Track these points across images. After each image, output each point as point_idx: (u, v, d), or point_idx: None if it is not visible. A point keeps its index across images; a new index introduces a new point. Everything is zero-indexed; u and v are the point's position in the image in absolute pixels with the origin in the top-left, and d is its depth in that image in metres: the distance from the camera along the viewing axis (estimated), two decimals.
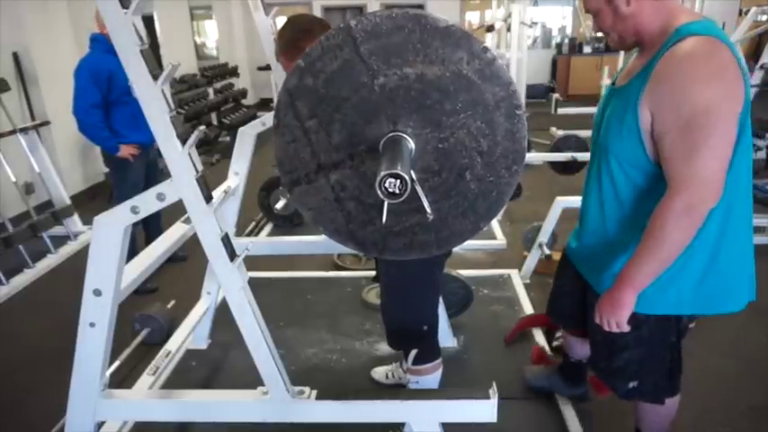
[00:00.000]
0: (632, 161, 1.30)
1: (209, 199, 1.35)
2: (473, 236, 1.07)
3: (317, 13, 10.82)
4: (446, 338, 2.46)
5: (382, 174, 0.82)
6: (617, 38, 1.32)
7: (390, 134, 0.91)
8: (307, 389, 1.53)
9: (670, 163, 1.20)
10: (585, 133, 4.76)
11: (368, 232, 1.01)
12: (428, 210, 0.92)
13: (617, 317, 1.31)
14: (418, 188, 0.91)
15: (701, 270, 1.33)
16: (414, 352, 1.75)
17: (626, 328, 1.33)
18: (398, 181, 0.81)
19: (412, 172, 0.89)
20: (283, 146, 0.95)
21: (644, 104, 1.22)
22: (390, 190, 0.82)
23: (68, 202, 3.99)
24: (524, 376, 2.21)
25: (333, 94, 0.90)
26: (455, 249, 1.85)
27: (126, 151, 3.08)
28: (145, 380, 2.18)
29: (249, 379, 1.57)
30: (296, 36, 1.66)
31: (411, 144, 0.91)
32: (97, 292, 1.39)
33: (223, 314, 2.24)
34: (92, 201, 4.85)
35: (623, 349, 1.48)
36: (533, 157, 5.10)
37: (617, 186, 1.37)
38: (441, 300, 2.26)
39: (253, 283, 1.49)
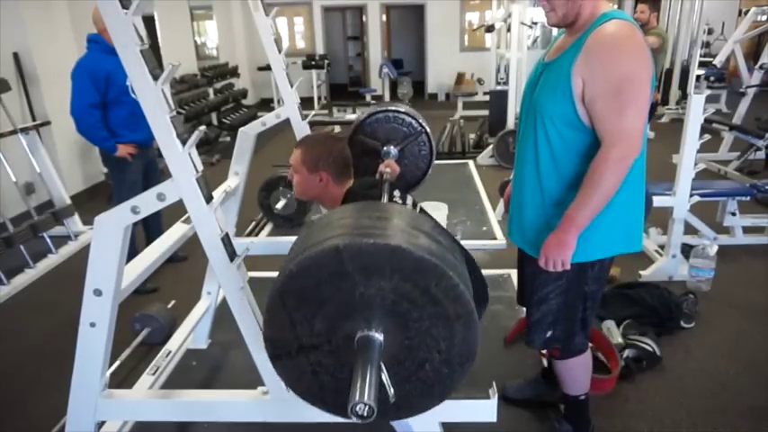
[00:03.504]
0: (564, 119, 1.49)
1: (209, 199, 1.35)
2: (426, 411, 1.21)
3: (317, 12, 10.84)
4: None
5: (355, 400, 0.95)
6: (561, 15, 1.51)
7: (364, 333, 1.06)
8: None
9: (604, 121, 1.43)
10: None
11: (338, 400, 1.15)
12: (390, 392, 1.08)
13: (563, 255, 1.49)
14: (384, 376, 1.07)
15: (610, 217, 1.51)
16: None
17: (569, 267, 1.51)
18: (367, 407, 0.95)
19: (382, 364, 1.07)
20: (271, 328, 1.11)
21: (576, 73, 1.43)
22: (360, 413, 0.96)
23: (69, 202, 3.99)
24: (505, 393, 2.10)
25: (318, 297, 1.05)
26: None
27: (124, 151, 3.08)
28: (145, 380, 2.18)
29: (249, 379, 1.57)
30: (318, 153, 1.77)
31: (380, 341, 1.06)
32: (97, 292, 1.39)
33: (223, 314, 2.24)
34: (92, 201, 4.85)
35: (544, 301, 1.66)
36: None
37: (552, 144, 1.53)
38: None
39: (253, 283, 1.49)
